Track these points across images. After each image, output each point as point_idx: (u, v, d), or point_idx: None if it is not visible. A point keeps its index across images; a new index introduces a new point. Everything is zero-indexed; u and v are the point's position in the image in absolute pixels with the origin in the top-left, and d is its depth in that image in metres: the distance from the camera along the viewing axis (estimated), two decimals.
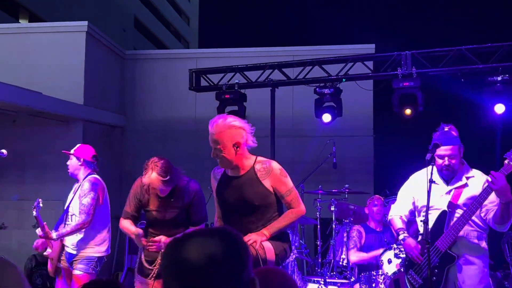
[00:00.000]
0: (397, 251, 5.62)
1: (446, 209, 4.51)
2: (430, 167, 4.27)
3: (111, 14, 26.94)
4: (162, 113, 11.54)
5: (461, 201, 4.50)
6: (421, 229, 4.60)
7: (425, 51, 8.15)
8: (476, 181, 4.56)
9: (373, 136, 11.34)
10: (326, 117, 8.53)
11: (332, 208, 6.71)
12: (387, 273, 5.72)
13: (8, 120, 10.13)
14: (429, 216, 4.45)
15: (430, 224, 4.44)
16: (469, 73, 7.96)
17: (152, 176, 4.59)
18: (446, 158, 4.49)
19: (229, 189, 4.19)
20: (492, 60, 7.71)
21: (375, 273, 5.83)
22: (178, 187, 4.72)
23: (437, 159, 4.51)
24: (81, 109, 10.31)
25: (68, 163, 5.95)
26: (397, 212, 4.85)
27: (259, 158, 4.20)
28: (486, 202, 4.37)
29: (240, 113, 8.89)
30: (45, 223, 5.68)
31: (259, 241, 3.97)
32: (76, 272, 5.60)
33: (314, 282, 6.09)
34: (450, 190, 4.56)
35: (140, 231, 4.65)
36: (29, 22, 23.86)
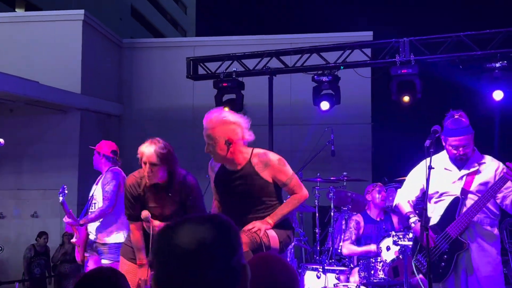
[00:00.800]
0: (395, 238, 5.61)
1: (459, 195, 4.50)
2: (430, 156, 4.25)
3: (108, 2, 26.83)
4: (160, 101, 11.52)
5: (473, 187, 4.48)
6: (431, 215, 4.62)
7: (423, 38, 8.11)
8: (487, 167, 4.54)
9: (371, 123, 11.34)
10: (324, 105, 8.50)
11: (330, 196, 6.70)
12: (385, 260, 5.72)
13: (5, 109, 10.11)
14: (441, 202, 4.50)
15: (442, 210, 4.50)
16: (467, 60, 7.93)
17: (150, 147, 4.47)
18: (460, 149, 4.47)
19: (228, 183, 4.18)
20: (491, 47, 7.68)
21: (373, 260, 5.82)
22: (176, 180, 4.61)
23: (450, 149, 4.49)
24: (78, 98, 10.28)
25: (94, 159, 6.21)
26: (405, 198, 4.80)
27: (255, 151, 4.15)
28: (501, 189, 4.36)
29: (238, 101, 8.87)
30: (71, 210, 5.90)
31: (263, 229, 3.97)
32: (104, 261, 5.75)
33: (312, 269, 6.09)
34: (462, 176, 4.53)
35: (147, 213, 4.57)
36: (25, 11, 23.75)
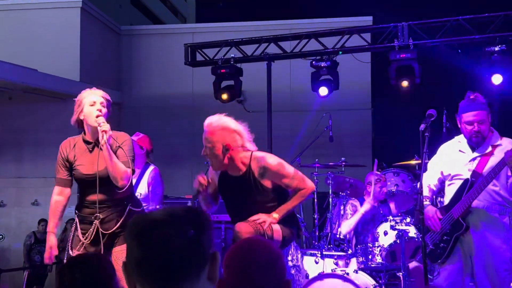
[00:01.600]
0: (393, 223, 5.63)
1: (469, 177, 4.44)
2: (426, 141, 4.22)
3: None
4: (159, 89, 11.49)
5: (486, 169, 4.38)
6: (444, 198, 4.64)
7: (422, 22, 8.07)
8: (503, 149, 4.39)
9: (371, 109, 11.30)
10: (323, 91, 8.48)
11: (329, 182, 6.69)
12: (383, 244, 5.72)
13: (4, 97, 10.10)
14: (453, 185, 4.45)
15: (452, 193, 4.48)
16: (466, 44, 7.90)
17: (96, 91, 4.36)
18: (475, 124, 4.36)
19: (230, 187, 4.23)
20: (489, 30, 7.64)
21: (371, 245, 5.82)
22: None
23: (466, 126, 4.40)
24: (77, 85, 10.24)
25: None
26: (427, 182, 4.74)
27: (254, 155, 4.15)
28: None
29: (236, 88, 8.85)
30: None
31: (268, 222, 3.98)
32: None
33: (310, 255, 6.10)
34: (475, 158, 4.46)
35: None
36: None
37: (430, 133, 4.25)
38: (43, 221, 9.57)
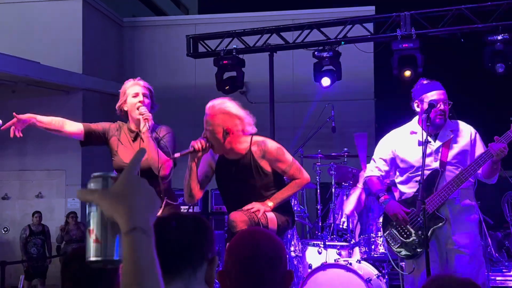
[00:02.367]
0: None
1: (438, 168, 4.32)
2: (427, 130, 4.15)
3: None
4: (162, 80, 11.47)
5: (451, 157, 4.32)
6: (404, 189, 4.52)
7: (424, 11, 8.04)
8: (461, 133, 4.38)
9: (374, 99, 11.29)
10: (325, 81, 8.46)
11: (332, 172, 6.69)
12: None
13: (7, 90, 10.12)
14: (418, 177, 4.27)
15: (417, 185, 4.29)
16: (469, 33, 7.87)
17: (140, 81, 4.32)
18: (441, 103, 4.28)
19: (228, 173, 4.19)
20: (492, 19, 7.60)
21: (374, 235, 5.83)
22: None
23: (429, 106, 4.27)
24: (80, 78, 10.28)
25: None
26: (374, 172, 4.63)
27: (254, 139, 4.15)
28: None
29: (239, 79, 8.84)
30: None
31: (262, 211, 3.98)
32: None
33: (313, 245, 6.10)
34: (439, 148, 4.37)
35: None
36: None
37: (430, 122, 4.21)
38: (37, 213, 9.59)
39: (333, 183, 6.67)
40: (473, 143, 4.38)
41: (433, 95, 4.30)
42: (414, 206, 4.25)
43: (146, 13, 14.86)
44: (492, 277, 6.37)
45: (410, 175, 4.45)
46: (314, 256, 6.03)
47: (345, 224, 6.58)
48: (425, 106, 4.33)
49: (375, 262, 5.86)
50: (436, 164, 4.35)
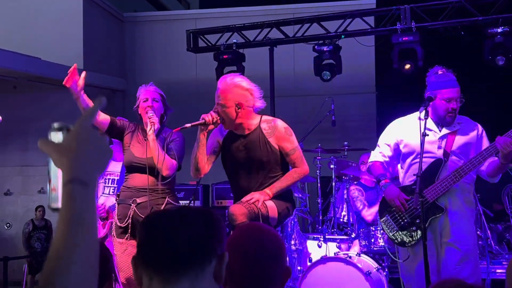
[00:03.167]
0: None
1: (441, 157, 4.32)
2: (422, 121, 4.17)
3: None
4: (163, 75, 11.49)
5: (455, 148, 4.32)
6: (403, 175, 4.53)
7: (424, 4, 8.04)
8: (466, 126, 4.39)
9: (375, 93, 11.28)
10: (326, 75, 8.47)
11: (332, 166, 6.71)
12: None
13: (9, 86, 10.14)
14: (419, 164, 4.29)
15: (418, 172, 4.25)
16: (469, 26, 7.85)
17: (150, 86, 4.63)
18: (453, 102, 4.26)
19: (236, 147, 4.22)
20: (492, 12, 7.58)
21: (373, 229, 5.84)
22: (162, 135, 4.64)
23: (444, 102, 4.27)
24: (81, 73, 10.28)
25: None
26: (378, 158, 4.63)
27: (264, 117, 4.24)
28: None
29: (239, 73, 8.83)
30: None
31: (262, 200, 4.00)
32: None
33: (313, 239, 6.12)
34: (444, 136, 4.37)
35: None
36: None
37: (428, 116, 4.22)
38: (40, 207, 9.61)
39: (333, 177, 6.68)
40: (479, 137, 4.39)
41: (448, 93, 4.28)
42: (413, 195, 4.21)
43: (147, 8, 14.87)
44: (492, 270, 6.38)
45: (411, 162, 4.45)
46: (314, 249, 6.06)
47: (346, 217, 6.60)
48: (438, 102, 4.32)
49: (375, 255, 5.89)
50: (440, 152, 4.35)
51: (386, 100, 11.63)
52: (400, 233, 4.42)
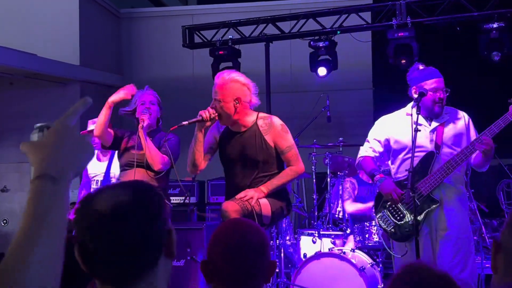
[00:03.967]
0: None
1: (433, 149, 4.34)
2: (412, 116, 4.19)
3: None
4: (160, 71, 11.48)
5: (446, 139, 4.35)
6: (395, 170, 4.54)
7: (420, 0, 8.02)
8: (454, 116, 4.45)
9: (372, 88, 11.26)
10: (321, 71, 8.46)
11: (327, 162, 6.71)
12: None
13: (5, 82, 10.12)
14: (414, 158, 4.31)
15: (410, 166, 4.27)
16: (465, 21, 7.84)
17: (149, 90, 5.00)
18: (440, 92, 4.31)
19: (232, 144, 4.25)
20: (488, 7, 7.57)
21: (368, 224, 5.85)
22: (157, 137, 4.89)
23: (430, 93, 4.31)
24: (77, 69, 10.27)
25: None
26: (368, 153, 4.65)
27: (261, 114, 4.27)
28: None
29: (235, 69, 8.82)
30: None
31: (256, 198, 4.00)
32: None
33: (308, 235, 6.13)
34: (434, 129, 4.40)
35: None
36: None
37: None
38: None
39: (328, 172, 6.68)
40: (467, 126, 4.43)
41: (432, 83, 4.32)
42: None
43: (145, 3, 14.83)
44: (487, 265, 6.38)
45: (403, 157, 4.46)
46: (308, 245, 6.07)
47: (341, 213, 6.61)
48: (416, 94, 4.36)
49: (370, 250, 5.90)
50: (430, 146, 4.37)
51: (383, 96, 11.59)
52: (397, 228, 4.43)
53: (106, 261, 1.41)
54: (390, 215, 4.46)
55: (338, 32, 8.43)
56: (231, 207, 3.95)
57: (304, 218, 7.90)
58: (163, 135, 4.83)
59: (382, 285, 5.40)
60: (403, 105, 4.73)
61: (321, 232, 6.04)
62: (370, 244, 5.82)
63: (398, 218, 4.41)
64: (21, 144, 1.30)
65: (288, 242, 6.06)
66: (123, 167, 4.87)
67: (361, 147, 4.81)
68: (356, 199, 6.59)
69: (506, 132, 4.23)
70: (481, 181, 5.47)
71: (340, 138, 7.12)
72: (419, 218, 4.24)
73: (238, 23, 9.14)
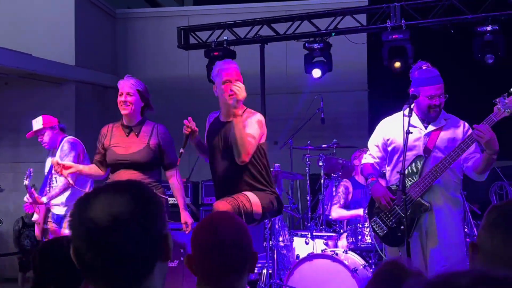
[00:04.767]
0: None
1: (421, 153, 4.34)
2: (407, 118, 4.19)
3: None
4: (155, 72, 11.48)
5: (439, 143, 4.34)
6: (390, 174, 4.55)
7: (414, 2, 8.05)
8: (452, 123, 4.43)
9: (367, 90, 11.29)
10: (316, 72, 8.48)
11: (320, 163, 6.73)
12: None
13: (0, 82, 10.12)
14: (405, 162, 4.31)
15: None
16: (459, 24, 7.87)
17: (128, 79, 4.83)
18: (436, 98, 4.30)
19: (217, 133, 4.47)
20: (482, 10, 7.60)
21: (361, 226, 5.87)
22: (144, 127, 4.84)
23: (426, 99, 4.31)
24: (72, 70, 10.27)
25: (45, 139, 6.06)
26: (368, 159, 4.70)
27: (249, 109, 4.47)
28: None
29: None
30: (33, 189, 5.81)
31: (242, 94, 4.18)
32: (66, 231, 5.66)
33: (301, 236, 6.16)
34: (429, 133, 4.40)
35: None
36: None
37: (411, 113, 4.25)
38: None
39: (322, 174, 6.70)
40: (464, 133, 4.38)
41: (430, 90, 4.31)
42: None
43: (141, 4, 14.84)
44: None
45: (397, 160, 4.48)
46: (301, 246, 6.10)
47: (332, 217, 6.63)
48: (421, 99, 4.37)
49: (362, 252, 5.91)
50: (421, 150, 4.38)
51: (378, 98, 11.62)
52: (390, 233, 4.44)
53: (102, 271, 1.40)
54: (382, 221, 4.48)
55: (333, 34, 8.45)
56: (222, 206, 4.06)
57: (297, 219, 7.92)
58: (151, 125, 4.86)
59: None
60: (398, 107, 4.74)
61: (314, 233, 6.06)
62: (362, 246, 5.83)
63: (390, 223, 4.42)
64: None
65: (282, 244, 6.08)
66: (112, 167, 4.83)
67: (364, 155, 4.91)
68: (350, 203, 6.59)
69: (498, 134, 4.22)
70: (474, 183, 5.47)
71: (334, 140, 7.14)
72: (411, 223, 4.24)
73: (233, 24, 9.16)
